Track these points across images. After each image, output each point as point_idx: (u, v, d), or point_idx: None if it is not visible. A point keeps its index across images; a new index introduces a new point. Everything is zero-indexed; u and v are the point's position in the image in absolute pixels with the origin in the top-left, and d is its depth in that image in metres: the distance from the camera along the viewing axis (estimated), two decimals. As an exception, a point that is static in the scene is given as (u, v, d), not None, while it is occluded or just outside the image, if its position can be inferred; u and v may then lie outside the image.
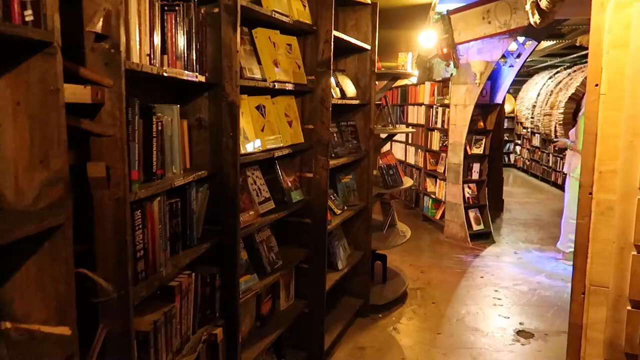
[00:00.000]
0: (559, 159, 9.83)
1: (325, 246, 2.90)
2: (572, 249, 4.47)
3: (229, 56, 1.91)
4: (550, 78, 11.34)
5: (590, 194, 1.42)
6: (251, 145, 2.19)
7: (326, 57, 2.75)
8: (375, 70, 3.51)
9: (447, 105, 5.96)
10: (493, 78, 5.70)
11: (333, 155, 3.10)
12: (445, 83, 6.16)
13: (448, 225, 6.02)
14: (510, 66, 5.57)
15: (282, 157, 2.56)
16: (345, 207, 3.32)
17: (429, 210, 6.69)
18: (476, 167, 5.87)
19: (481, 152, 5.86)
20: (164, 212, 1.56)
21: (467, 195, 5.86)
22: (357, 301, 3.62)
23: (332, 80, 2.99)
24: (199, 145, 1.95)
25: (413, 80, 7.97)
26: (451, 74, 5.80)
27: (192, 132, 1.95)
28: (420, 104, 6.98)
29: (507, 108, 12.18)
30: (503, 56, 5.48)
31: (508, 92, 5.84)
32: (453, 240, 5.88)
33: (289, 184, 2.65)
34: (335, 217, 3.12)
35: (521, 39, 5.34)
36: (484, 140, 5.86)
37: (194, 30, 1.73)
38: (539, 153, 11.08)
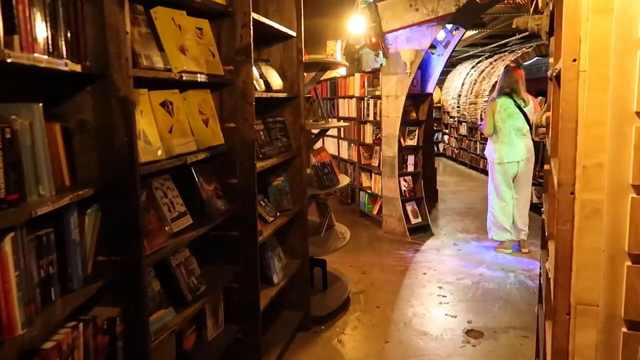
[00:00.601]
0: (485, 146, 10.04)
1: (258, 260, 2.53)
2: (497, 234, 4.30)
3: (115, 40, 1.49)
4: (473, 67, 11.60)
5: (572, 193, 1.17)
6: (156, 151, 1.77)
7: (245, 44, 2.37)
8: (303, 60, 3.17)
9: (379, 97, 5.76)
10: (423, 67, 5.56)
11: (261, 156, 2.74)
12: (375, 74, 5.95)
13: (386, 221, 5.84)
14: (439, 55, 5.45)
15: (199, 163, 2.15)
16: (278, 213, 2.97)
17: (366, 205, 6.49)
18: (411, 159, 5.72)
19: (415, 144, 5.72)
20: (24, 251, 1.13)
21: (403, 188, 5.70)
22: (297, 314, 3.29)
23: (255, 71, 2.62)
24: (82, 155, 1.52)
25: (342, 72, 7.74)
26: (381, 65, 5.60)
27: (72, 139, 1.51)
28: (351, 97, 6.75)
29: (434, 98, 12.34)
30: (432, 45, 5.35)
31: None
32: (392, 235, 5.71)
33: (210, 193, 2.26)
34: (267, 226, 2.77)
35: (449, 26, 5.23)
36: (417, 131, 5.72)
37: (60, 3, 1.30)
38: (467, 141, 11.30)
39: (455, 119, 12.01)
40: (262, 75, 2.81)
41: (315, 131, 3.88)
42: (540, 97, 5.18)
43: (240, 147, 2.41)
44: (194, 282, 2.08)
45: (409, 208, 5.73)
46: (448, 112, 12.79)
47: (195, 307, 2.03)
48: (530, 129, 4.70)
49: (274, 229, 2.81)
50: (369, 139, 6.27)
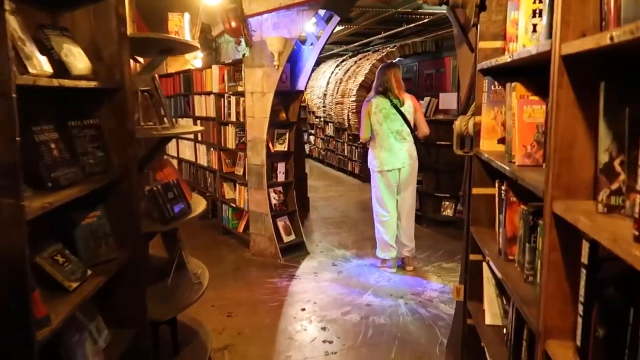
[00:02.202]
0: (353, 147, 9.72)
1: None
2: (381, 251, 3.67)
3: None
4: (337, 66, 11.24)
5: None
6: None
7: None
8: (129, 33, 2.12)
9: (242, 94, 4.83)
10: (293, 60, 4.77)
11: (50, 185, 1.65)
12: (237, 66, 5.01)
13: (254, 240, 4.94)
14: (311, 45, 4.70)
15: None
16: (90, 271, 1.89)
17: (230, 221, 5.52)
18: (281, 167, 4.90)
19: (286, 149, 4.91)
20: None
21: (273, 201, 4.86)
22: (132, 409, 2.23)
23: (31, 45, 1.54)
24: None
25: (198, 63, 6.65)
26: (243, 55, 4.68)
27: None
28: (209, 93, 5.70)
29: (299, 97, 11.74)
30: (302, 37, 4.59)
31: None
32: (262, 257, 4.83)
33: None
34: (65, 300, 1.68)
35: (322, 13, 4.51)
36: (287, 134, 4.92)
37: None
38: (334, 142, 10.91)
39: (322, 119, 11.55)
40: (51, 51, 1.72)
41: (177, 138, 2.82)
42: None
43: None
44: None
45: (280, 224, 4.90)
46: (313, 112, 12.31)
47: None
48: (411, 131, 4.19)
49: (80, 300, 1.74)
50: (231, 143, 5.30)
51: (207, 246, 5.35)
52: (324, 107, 11.15)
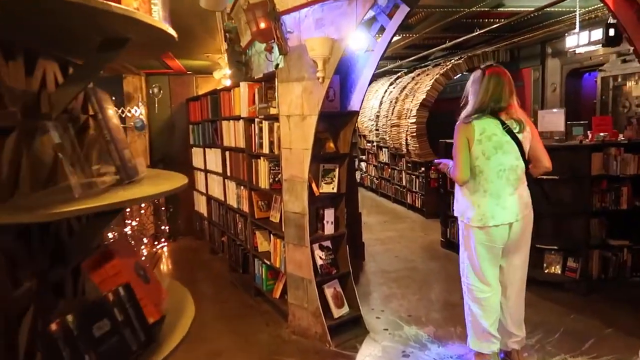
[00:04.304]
0: (413, 176, 8.33)
1: None
2: (475, 341, 1.52)
3: None
4: (391, 84, 9.96)
5: None
6: None
7: None
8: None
9: (276, 118, 3.63)
10: (344, 71, 3.54)
11: None
12: (269, 82, 3.82)
13: (294, 313, 3.66)
14: (368, 50, 3.45)
15: None
16: None
17: (264, 282, 4.27)
18: (329, 214, 3.62)
19: (335, 190, 3.64)
20: None
21: (319, 262, 3.58)
22: None
23: None
24: None
25: (228, 82, 5.58)
26: (276, 66, 3.50)
27: None
28: (237, 118, 4.55)
29: (349, 120, 10.52)
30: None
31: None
32: (304, 338, 3.54)
33: None
34: None
35: (383, 2, 3.26)
36: (337, 170, 3.65)
37: None
38: (389, 170, 9.55)
39: (374, 143, 10.26)
40: None
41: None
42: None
43: None
44: None
45: (329, 292, 3.60)
46: (365, 136, 11.05)
47: None
48: (526, 167, 2.82)
49: None
50: (263, 182, 4.09)
51: (232, 314, 4.13)
52: (377, 130, 9.87)
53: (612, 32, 4.55)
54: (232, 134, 4.82)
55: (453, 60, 8.02)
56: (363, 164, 11.53)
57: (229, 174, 5.08)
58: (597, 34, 4.65)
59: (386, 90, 9.85)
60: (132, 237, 5.70)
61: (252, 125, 4.17)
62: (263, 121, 3.95)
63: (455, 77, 8.30)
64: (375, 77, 11.40)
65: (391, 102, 9.13)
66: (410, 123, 7.91)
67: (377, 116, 9.84)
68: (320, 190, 3.60)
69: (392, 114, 8.89)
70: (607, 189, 4.15)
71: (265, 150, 3.95)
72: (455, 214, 2.95)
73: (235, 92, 4.60)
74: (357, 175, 11.82)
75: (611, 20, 4.59)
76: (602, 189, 4.15)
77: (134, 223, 6.09)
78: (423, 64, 9.89)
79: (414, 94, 8.26)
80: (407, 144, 8.21)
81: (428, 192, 7.73)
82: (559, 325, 3.59)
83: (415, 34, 6.97)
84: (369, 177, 11.05)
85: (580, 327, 3.57)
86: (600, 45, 4.70)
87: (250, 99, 4.22)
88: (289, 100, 3.44)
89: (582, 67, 6.64)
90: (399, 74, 10.19)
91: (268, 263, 4.11)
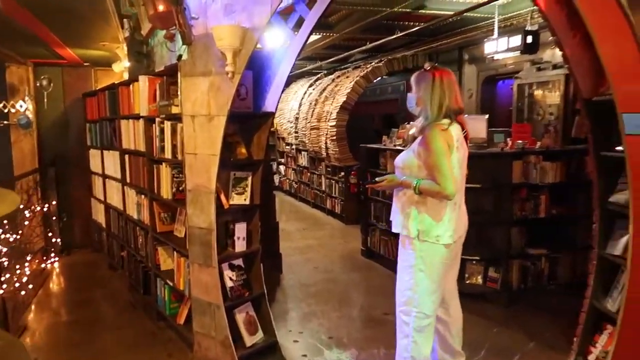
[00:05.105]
0: (333, 181, 8.08)
1: None
2: None
3: None
4: (311, 86, 9.68)
5: None
6: None
7: None
8: None
9: (178, 117, 3.14)
10: (258, 66, 3.13)
11: None
12: (173, 76, 3.31)
13: (200, 343, 3.18)
14: (285, 44, 3.07)
15: None
16: None
17: (167, 304, 3.74)
18: (241, 229, 3.18)
19: (247, 202, 3.21)
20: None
21: (229, 283, 3.13)
22: None
23: None
24: None
25: (119, 68, 4.94)
26: (179, 57, 3.01)
27: None
28: (137, 117, 3.97)
29: (267, 121, 10.08)
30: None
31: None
32: (211, 373, 3.08)
33: None
34: None
35: (302, -10, 2.90)
36: (250, 179, 3.22)
37: None
38: (308, 174, 9.26)
39: (293, 146, 9.91)
40: None
41: None
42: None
43: None
44: None
45: (240, 318, 3.17)
46: (283, 138, 10.67)
47: None
48: None
49: None
50: (166, 192, 3.56)
51: (130, 343, 3.58)
52: (296, 132, 9.53)
53: (529, 39, 4.56)
54: (132, 135, 4.23)
55: (373, 63, 7.89)
56: (282, 167, 11.15)
57: (128, 180, 4.46)
58: (516, 40, 4.65)
59: (306, 92, 9.55)
60: (11, 255, 4.85)
61: (154, 125, 3.63)
62: (165, 121, 3.43)
63: (375, 80, 8.18)
64: (294, 78, 11.09)
65: (311, 104, 8.84)
66: (330, 126, 7.66)
67: (297, 118, 9.51)
68: (231, 202, 3.16)
69: (312, 116, 8.60)
70: (527, 198, 4.11)
71: (168, 154, 3.43)
72: (405, 233, 2.50)
73: (134, 87, 4.02)
74: (276, 179, 11.43)
75: (529, 28, 4.60)
76: (522, 198, 4.10)
77: (15, 236, 5.21)
78: (343, 66, 9.72)
79: (334, 96, 8.02)
80: (326, 148, 7.95)
81: (348, 198, 7.52)
82: (484, 340, 3.44)
83: (336, 33, 6.71)
84: (288, 181, 10.69)
85: (504, 341, 3.45)
86: (519, 52, 4.71)
87: (151, 96, 3.68)
88: (193, 97, 2.97)
89: (498, 74, 6.76)
90: (319, 75, 9.93)
91: (171, 284, 3.58)
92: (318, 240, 6.66)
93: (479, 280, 4.19)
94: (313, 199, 9.03)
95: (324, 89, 8.62)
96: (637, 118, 2.49)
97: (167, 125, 3.39)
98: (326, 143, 7.93)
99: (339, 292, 4.54)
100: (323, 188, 8.48)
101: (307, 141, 8.86)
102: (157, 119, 3.50)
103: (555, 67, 4.99)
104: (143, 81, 3.69)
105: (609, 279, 2.88)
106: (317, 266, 5.39)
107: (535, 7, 5.01)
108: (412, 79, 2.53)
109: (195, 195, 3.04)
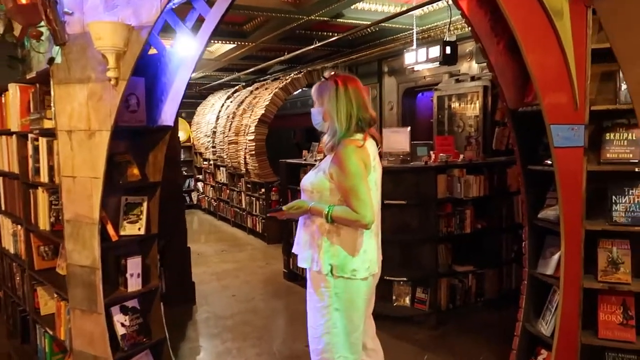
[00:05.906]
0: (253, 198, 7.64)
1: None
2: None
3: None
4: (229, 98, 9.21)
5: None
6: None
7: None
8: None
9: (52, 133, 2.59)
10: (151, 72, 2.67)
11: None
12: (46, 84, 2.75)
13: (85, 406, 2.62)
14: (181, 48, 2.64)
15: None
16: None
17: (48, 356, 3.11)
18: (134, 265, 2.68)
19: (142, 232, 2.72)
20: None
21: (121, 331, 2.61)
22: None
23: None
24: None
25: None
26: (50, 60, 2.48)
27: None
28: (9, 132, 3.32)
29: (182, 136, 9.49)
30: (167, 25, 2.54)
31: (179, 111, 2.83)
32: None
33: None
34: None
35: (200, -15, 2.50)
36: (145, 204, 2.73)
37: None
38: (228, 191, 8.74)
39: (211, 162, 9.36)
40: None
41: None
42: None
43: None
44: None
45: (136, 371, 2.65)
46: (201, 153, 10.08)
47: None
48: None
49: None
50: (43, 222, 2.96)
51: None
52: (214, 147, 9.00)
53: (448, 50, 4.47)
54: (5, 154, 3.55)
55: (292, 75, 7.60)
56: (200, 184, 10.52)
57: (2, 207, 3.76)
58: (435, 51, 4.55)
59: (223, 104, 9.07)
60: None
61: (27, 142, 3.03)
62: (40, 138, 2.85)
63: (295, 92, 7.89)
64: (211, 90, 10.55)
65: (228, 117, 8.37)
66: (249, 140, 7.24)
67: (214, 132, 9.00)
68: (122, 233, 2.65)
69: (230, 130, 8.14)
70: (452, 213, 3.95)
71: (44, 178, 2.85)
72: (315, 269, 2.10)
73: (5, 98, 3.38)
74: (194, 196, 10.78)
75: (447, 39, 4.52)
76: (448, 213, 3.94)
77: None
78: (262, 78, 9.37)
79: (252, 109, 7.62)
80: (245, 163, 7.51)
81: (269, 216, 7.10)
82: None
83: (251, 42, 6.35)
84: (206, 198, 10.08)
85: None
86: (438, 63, 4.62)
87: (23, 107, 3.08)
88: (69, 109, 2.45)
89: (417, 86, 6.73)
90: (237, 87, 9.50)
91: (51, 333, 2.98)
92: (238, 263, 6.17)
93: (407, 302, 3.95)
94: (233, 217, 8.52)
95: (242, 102, 8.19)
96: (566, 130, 2.35)
97: (43, 142, 2.82)
98: (245, 158, 7.50)
99: (258, 325, 4.10)
100: (243, 206, 8.01)
101: (225, 156, 8.36)
102: (31, 135, 2.91)
103: (473, 79, 4.98)
104: (14, 90, 3.08)
105: (540, 300, 2.73)
106: (236, 294, 4.92)
107: (453, 19, 5.03)
108: (314, 91, 2.14)
109: (75, 227, 2.50)
